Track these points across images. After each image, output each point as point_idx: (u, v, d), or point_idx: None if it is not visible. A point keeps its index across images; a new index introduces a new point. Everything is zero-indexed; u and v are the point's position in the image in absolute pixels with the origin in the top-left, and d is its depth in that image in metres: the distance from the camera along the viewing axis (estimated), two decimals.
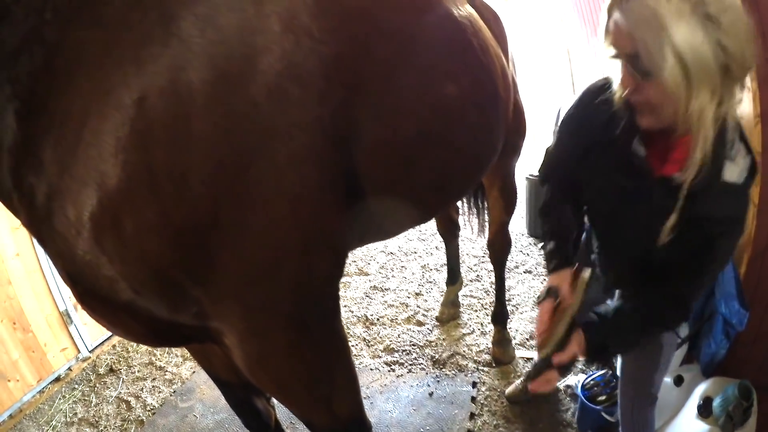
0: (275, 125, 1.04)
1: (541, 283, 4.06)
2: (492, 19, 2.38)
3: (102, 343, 3.73)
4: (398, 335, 3.39)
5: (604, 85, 1.31)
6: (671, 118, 1.08)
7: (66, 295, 3.45)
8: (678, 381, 2.29)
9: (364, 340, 3.37)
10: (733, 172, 1.15)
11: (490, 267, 4.18)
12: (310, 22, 1.14)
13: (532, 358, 3.03)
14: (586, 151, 1.42)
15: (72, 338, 3.50)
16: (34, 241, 3.23)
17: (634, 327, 1.35)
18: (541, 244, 1.53)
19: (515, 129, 2.45)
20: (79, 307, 3.35)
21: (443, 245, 4.14)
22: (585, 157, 1.43)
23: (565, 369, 1.36)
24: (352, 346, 3.29)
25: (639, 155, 1.26)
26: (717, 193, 1.15)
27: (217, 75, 0.98)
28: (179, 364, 3.45)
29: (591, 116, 1.37)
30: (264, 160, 1.03)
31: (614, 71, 1.17)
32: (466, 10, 1.88)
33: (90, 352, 3.60)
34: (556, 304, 1.38)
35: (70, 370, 3.43)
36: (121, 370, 3.45)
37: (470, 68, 1.73)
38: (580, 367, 2.87)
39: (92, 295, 1.10)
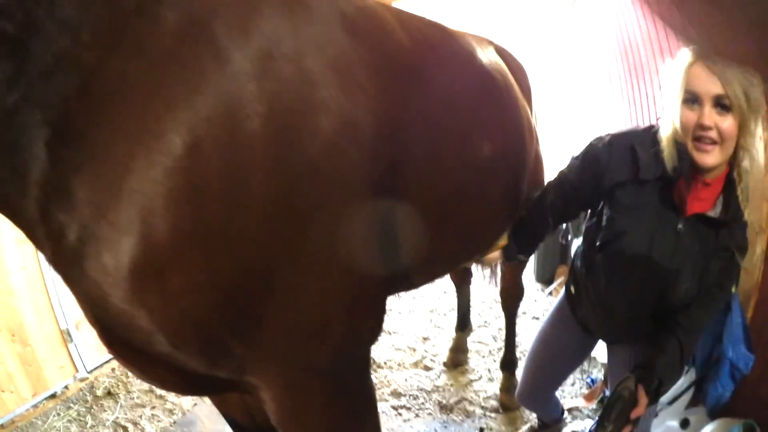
0: (332, 187, 1.02)
1: None
2: (518, 70, 2.43)
3: (101, 366, 3.67)
4: (405, 379, 3.38)
5: (642, 132, 1.53)
6: (729, 151, 1.30)
7: (68, 314, 3.42)
8: (684, 424, 2.31)
9: None
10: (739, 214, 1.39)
11: (498, 312, 4.20)
12: (364, 78, 1.12)
13: None
14: (610, 190, 1.54)
15: (71, 357, 3.47)
16: (40, 256, 3.24)
17: (678, 359, 1.46)
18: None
19: (534, 180, 2.47)
20: (81, 326, 3.55)
21: (451, 289, 4.15)
22: (610, 195, 1.55)
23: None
24: None
25: (681, 196, 1.41)
26: (740, 224, 1.40)
27: (276, 130, 0.93)
28: (180, 395, 3.33)
29: (622, 158, 1.51)
30: (320, 223, 1.00)
31: (672, 117, 1.36)
32: (497, 63, 1.91)
33: (88, 372, 3.55)
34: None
35: (67, 388, 3.39)
36: (120, 395, 3.42)
37: (503, 127, 1.76)
38: (586, 412, 2.86)
39: (122, 344, 1.05)
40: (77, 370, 3.48)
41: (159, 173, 0.85)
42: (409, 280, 1.54)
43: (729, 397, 2.17)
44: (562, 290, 1.96)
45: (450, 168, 1.40)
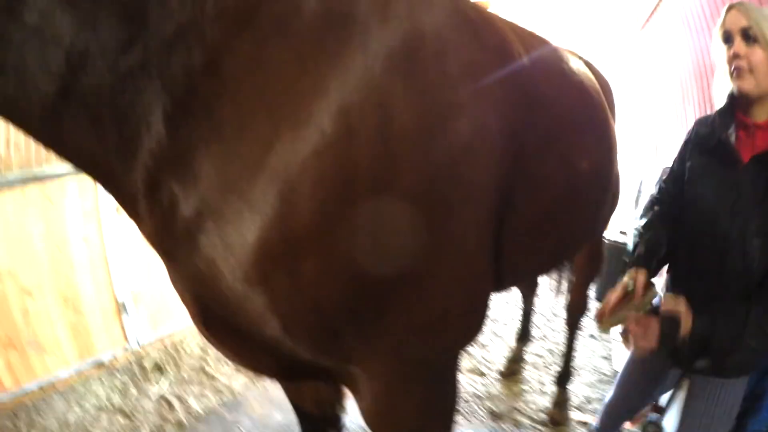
0: (468, 184, 1.04)
1: (603, 348, 4.09)
2: (605, 86, 2.43)
3: (154, 342, 3.65)
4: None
5: (705, 116, 1.65)
6: (765, 84, 1.38)
7: (126, 288, 3.43)
8: None
9: None
10: None
11: (556, 326, 4.29)
12: (494, 88, 1.15)
13: (586, 423, 3.08)
14: (684, 172, 1.65)
15: (123, 329, 3.46)
16: (104, 228, 3.34)
17: (744, 324, 1.37)
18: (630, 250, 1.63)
19: (614, 198, 2.48)
20: (138, 301, 3.54)
21: (512, 300, 4.17)
22: (685, 177, 1.64)
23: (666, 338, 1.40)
24: None
25: (730, 142, 1.47)
26: None
27: (422, 125, 0.95)
28: (231, 375, 3.46)
29: (688, 141, 1.66)
30: (455, 217, 1.02)
31: (723, 72, 1.48)
32: (591, 80, 1.95)
33: (139, 345, 3.54)
34: (624, 294, 1.55)
35: (115, 358, 3.38)
36: (169, 370, 3.46)
37: (598, 143, 1.82)
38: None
39: (222, 325, 1.06)
40: (128, 341, 3.49)
41: (309, 153, 0.84)
42: (504, 284, 1.55)
43: None
44: None
45: (553, 181, 1.45)
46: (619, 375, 2.01)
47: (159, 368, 3.44)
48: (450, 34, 1.09)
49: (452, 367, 1.31)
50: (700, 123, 1.65)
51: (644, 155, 5.40)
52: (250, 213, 0.84)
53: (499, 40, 1.30)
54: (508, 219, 1.26)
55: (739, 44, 1.39)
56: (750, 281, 1.45)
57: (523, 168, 1.27)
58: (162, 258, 1.02)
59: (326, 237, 0.87)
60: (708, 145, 1.56)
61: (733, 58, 1.40)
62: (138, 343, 3.53)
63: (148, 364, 3.45)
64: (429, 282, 1.03)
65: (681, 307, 1.40)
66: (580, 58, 2.36)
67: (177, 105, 0.82)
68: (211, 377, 3.46)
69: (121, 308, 3.43)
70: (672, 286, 1.71)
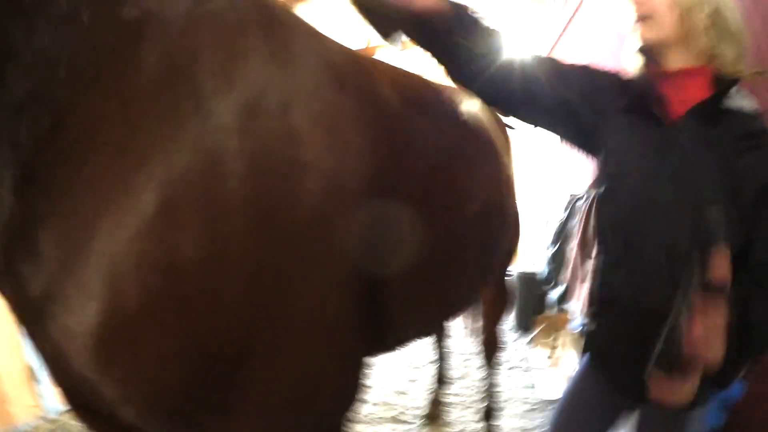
0: (317, 252, 0.95)
1: (526, 378, 4.03)
2: (498, 122, 2.41)
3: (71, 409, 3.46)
4: None
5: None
6: (668, 32, 1.19)
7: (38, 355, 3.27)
8: None
9: None
10: (744, 102, 1.20)
11: (476, 364, 4.11)
12: (352, 135, 1.06)
13: None
14: (601, 115, 1.33)
15: (39, 397, 3.32)
16: None
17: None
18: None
19: (513, 234, 2.46)
20: None
21: (426, 341, 4.03)
22: (605, 123, 1.33)
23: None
24: None
25: (656, 95, 1.25)
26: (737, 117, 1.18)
27: (257, 192, 0.86)
28: None
29: (619, 91, 1.34)
30: (304, 290, 0.94)
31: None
32: (480, 118, 1.87)
33: (59, 415, 3.37)
34: None
35: (36, 429, 3.24)
36: None
37: (486, 183, 1.72)
38: None
39: (86, 408, 0.98)
40: (44, 411, 3.34)
41: (128, 235, 0.77)
42: (390, 342, 1.45)
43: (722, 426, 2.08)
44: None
45: (435, 228, 1.35)
46: (553, 417, 1.63)
47: None
48: (299, 81, 1.00)
49: None
50: (616, 77, 1.39)
51: (552, 185, 5.50)
52: (85, 299, 0.79)
53: (363, 82, 1.21)
54: (383, 275, 1.18)
55: None
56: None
57: (395, 220, 1.20)
58: (27, 335, 0.93)
59: (157, 321, 0.81)
60: (625, 102, 1.30)
61: (634, 6, 1.26)
62: (56, 412, 3.38)
63: None
64: (282, 359, 0.95)
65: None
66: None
67: (25, 177, 0.77)
68: None
69: (32, 375, 3.29)
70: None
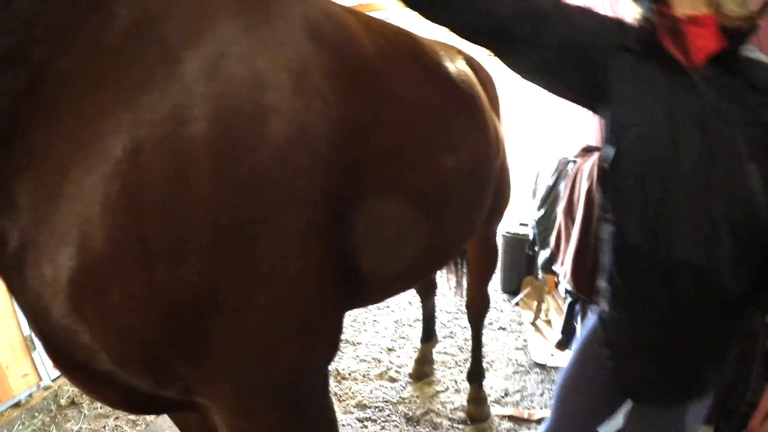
0: (281, 197, 0.94)
1: (516, 339, 4.04)
2: (486, 80, 2.38)
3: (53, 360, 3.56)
4: (371, 391, 3.29)
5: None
6: None
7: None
8: None
9: (336, 395, 3.25)
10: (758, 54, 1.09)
11: (464, 323, 4.20)
12: (322, 83, 1.05)
13: (507, 416, 2.98)
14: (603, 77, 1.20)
15: (35, 365, 3.39)
16: None
17: None
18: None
19: (500, 193, 2.43)
20: None
21: (416, 300, 4.09)
22: (612, 69, 1.19)
23: None
24: None
25: (678, 47, 1.12)
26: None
27: (222, 134, 0.86)
28: (130, 413, 3.23)
29: (607, 23, 1.23)
30: (267, 235, 0.93)
31: None
32: (465, 73, 1.86)
33: (52, 381, 3.46)
34: None
35: (31, 397, 3.32)
36: (83, 404, 3.30)
37: (468, 138, 1.70)
38: None
39: (67, 359, 0.98)
40: (41, 379, 3.41)
41: (96, 179, 0.79)
42: (369, 295, 1.46)
43: None
44: (586, 324, 1.51)
45: (411, 180, 1.34)
46: (553, 402, 1.58)
47: (74, 403, 3.33)
48: (271, 30, 1.00)
49: (313, 392, 1.19)
50: (614, 19, 1.25)
51: (541, 146, 5.46)
52: (57, 245, 0.81)
53: (338, 34, 1.19)
54: (355, 225, 1.17)
55: None
56: (755, 229, 1.04)
57: (368, 168, 1.18)
58: (8, 289, 0.95)
59: (123, 265, 0.82)
60: (636, 47, 1.17)
61: None
62: (50, 378, 3.48)
63: (63, 401, 3.33)
64: (248, 305, 0.95)
65: None
66: (460, 52, 2.30)
67: (3, 131, 0.79)
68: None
69: (28, 343, 3.37)
70: (614, 290, 1.26)
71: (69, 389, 3.43)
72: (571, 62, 1.22)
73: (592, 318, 1.46)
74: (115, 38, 0.83)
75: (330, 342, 1.19)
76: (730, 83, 1.06)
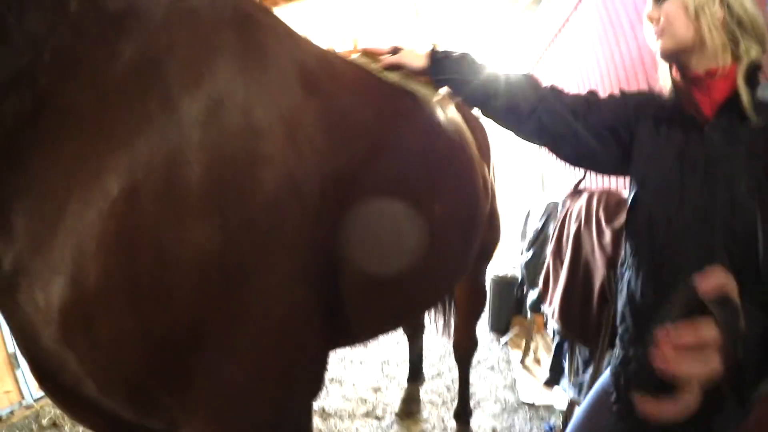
0: (270, 245, 0.96)
1: (504, 378, 4.02)
2: (476, 127, 2.41)
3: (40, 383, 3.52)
4: (356, 429, 3.24)
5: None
6: (685, 36, 1.19)
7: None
8: None
9: None
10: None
11: (451, 363, 4.13)
12: (314, 133, 1.08)
13: None
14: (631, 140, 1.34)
15: (17, 383, 3.36)
16: None
17: None
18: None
19: (490, 237, 2.47)
20: None
21: (403, 340, 4.07)
22: (637, 137, 1.33)
23: None
24: None
25: (687, 100, 1.23)
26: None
27: (215, 180, 0.88)
28: None
29: (654, 106, 1.34)
30: (255, 280, 0.95)
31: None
32: (455, 121, 1.89)
33: (34, 401, 3.43)
34: None
35: (12, 414, 3.29)
36: (65, 427, 3.26)
37: (456, 187, 1.72)
38: None
39: (54, 382, 0.98)
40: (23, 397, 3.39)
41: (93, 215, 0.81)
42: (353, 336, 1.46)
43: None
44: (601, 381, 1.48)
45: (399, 229, 1.36)
46: None
47: (55, 425, 3.32)
48: (267, 79, 1.04)
49: (298, 428, 1.20)
50: (647, 95, 1.40)
51: (530, 189, 5.54)
52: (50, 274, 0.83)
53: (332, 84, 1.23)
54: (343, 270, 1.19)
55: (651, 9, 1.26)
56: (752, 258, 1.07)
57: (355, 218, 1.19)
58: None
59: (113, 300, 0.84)
60: (659, 114, 1.30)
61: (651, 23, 1.27)
62: (33, 397, 3.44)
63: (45, 421, 3.32)
64: (232, 345, 0.96)
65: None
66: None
67: (3, 153, 0.81)
68: None
69: (12, 360, 3.36)
70: (631, 309, 1.29)
71: (51, 410, 3.38)
72: (607, 145, 1.36)
73: (605, 374, 1.48)
74: (117, 76, 0.85)
75: (313, 381, 1.19)
76: (742, 129, 1.13)
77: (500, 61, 6.20)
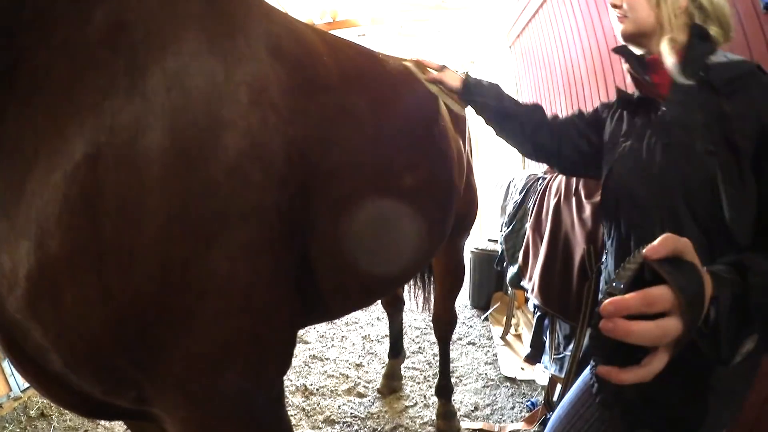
0: (232, 209, 0.96)
1: (485, 354, 4.05)
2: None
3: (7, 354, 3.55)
4: (339, 406, 3.25)
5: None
6: (645, 21, 1.24)
7: None
8: None
9: (303, 410, 3.21)
10: (725, 56, 1.18)
11: (433, 339, 4.20)
12: (279, 99, 1.08)
13: (477, 430, 2.97)
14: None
15: (4, 375, 3.38)
16: None
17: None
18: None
19: (467, 210, 2.47)
20: None
21: (384, 316, 4.07)
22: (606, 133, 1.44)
23: None
24: (291, 416, 3.11)
25: (649, 91, 1.28)
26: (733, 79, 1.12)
27: (177, 145, 0.88)
28: (83, 417, 3.18)
29: (625, 100, 1.40)
30: (218, 246, 0.94)
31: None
32: (427, 93, 1.89)
33: (21, 392, 3.45)
34: None
35: (1, 407, 3.30)
36: (53, 416, 3.27)
37: (429, 158, 1.72)
38: None
39: (21, 351, 0.96)
40: (10, 389, 3.39)
41: (58, 178, 0.80)
42: (325, 310, 1.45)
43: None
44: (584, 374, 1.51)
45: (368, 199, 1.36)
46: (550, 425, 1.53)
47: (44, 415, 3.32)
48: (233, 45, 1.03)
49: (267, 405, 1.19)
50: (620, 94, 1.44)
51: (510, 164, 5.52)
52: (16, 239, 0.82)
53: (299, 51, 1.23)
54: (311, 240, 1.19)
55: None
56: (720, 220, 1.07)
57: (324, 185, 1.21)
58: None
59: (78, 266, 0.82)
60: (630, 105, 1.37)
61: (614, 9, 1.30)
62: (20, 388, 3.46)
63: (33, 412, 3.33)
64: (197, 313, 0.94)
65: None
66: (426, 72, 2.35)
67: None
68: (94, 420, 3.22)
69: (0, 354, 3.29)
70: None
71: (39, 401, 3.39)
72: (587, 153, 1.51)
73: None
74: (88, 41, 0.84)
75: (282, 355, 1.19)
76: (698, 94, 1.15)
77: (479, 37, 6.17)
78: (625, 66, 1.34)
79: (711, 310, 0.75)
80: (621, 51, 1.34)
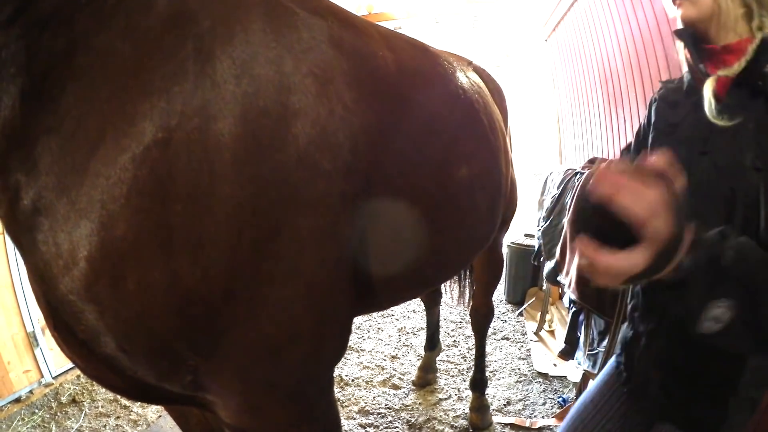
0: (301, 197, 0.97)
1: (519, 349, 4.04)
2: (496, 92, 2.41)
3: (66, 372, 3.63)
4: (373, 397, 3.29)
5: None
6: (704, 3, 1.14)
7: (35, 317, 3.41)
8: None
9: (338, 400, 3.25)
10: None
11: (468, 332, 4.22)
12: (344, 90, 1.10)
13: (509, 424, 2.98)
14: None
15: (36, 361, 3.44)
16: (10, 256, 3.35)
17: None
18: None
19: (508, 204, 2.46)
20: (47, 331, 3.46)
21: (420, 308, 4.09)
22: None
23: None
24: None
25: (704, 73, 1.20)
26: None
27: (248, 132, 0.89)
28: (145, 405, 3.29)
29: (673, 89, 1.35)
30: (286, 233, 0.95)
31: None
32: (477, 85, 1.87)
33: (53, 378, 3.50)
34: None
35: (32, 393, 3.36)
36: (84, 403, 3.34)
37: (481, 149, 1.73)
38: None
39: (68, 332, 0.95)
40: (42, 375, 3.45)
41: (127, 160, 0.80)
42: (377, 301, 1.45)
43: None
44: (611, 362, 1.51)
45: (426, 190, 1.37)
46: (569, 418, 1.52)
47: (75, 401, 3.38)
48: (298, 36, 1.05)
49: (320, 392, 1.20)
50: (666, 82, 1.39)
51: (548, 158, 5.49)
52: (77, 219, 0.80)
53: (360, 45, 1.24)
54: (368, 230, 1.19)
55: None
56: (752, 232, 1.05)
57: (388, 176, 1.22)
58: (15, 245, 0.94)
59: (144, 250, 0.82)
60: (678, 95, 1.29)
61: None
62: (52, 375, 3.52)
63: (64, 398, 3.39)
64: (262, 301, 0.95)
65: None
66: (470, 63, 2.35)
67: (35, 88, 0.80)
68: (126, 407, 3.33)
69: (31, 339, 3.42)
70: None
71: (70, 387, 3.46)
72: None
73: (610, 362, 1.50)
74: (152, 27, 0.86)
75: (339, 343, 1.20)
76: (754, 101, 1.10)
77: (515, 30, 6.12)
78: (684, 51, 1.27)
79: (688, 257, 0.78)
80: (681, 34, 1.26)
